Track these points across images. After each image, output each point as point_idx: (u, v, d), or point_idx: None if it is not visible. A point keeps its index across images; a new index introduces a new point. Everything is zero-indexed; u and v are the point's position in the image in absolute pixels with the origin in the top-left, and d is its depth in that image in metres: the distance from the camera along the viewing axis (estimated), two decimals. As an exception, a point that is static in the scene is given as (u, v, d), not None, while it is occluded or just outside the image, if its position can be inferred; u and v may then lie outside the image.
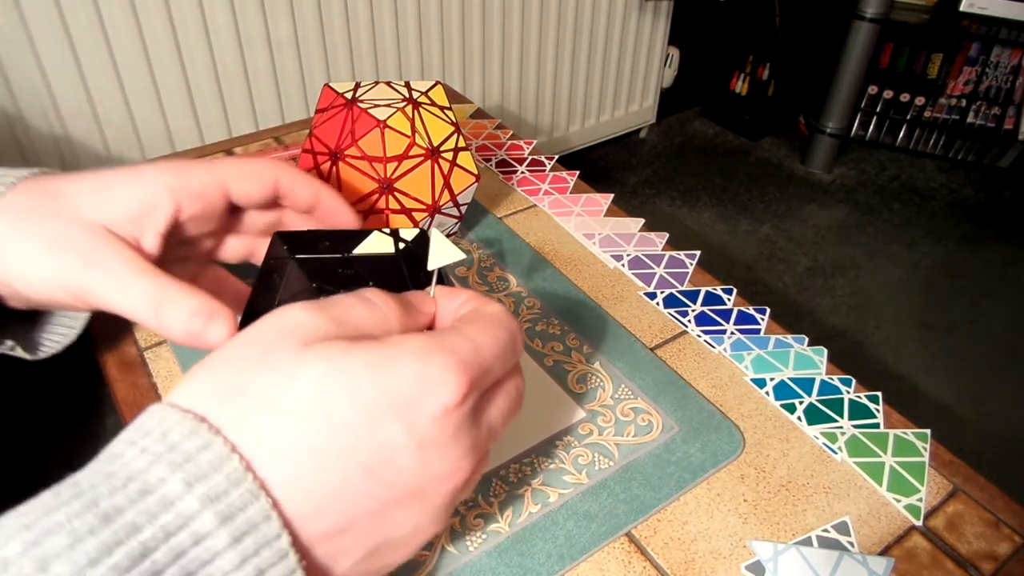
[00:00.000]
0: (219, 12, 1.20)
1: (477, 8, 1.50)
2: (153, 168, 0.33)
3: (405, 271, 0.32)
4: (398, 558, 0.25)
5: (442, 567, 0.34)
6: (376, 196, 0.47)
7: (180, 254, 0.37)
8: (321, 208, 0.37)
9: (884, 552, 0.36)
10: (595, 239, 0.56)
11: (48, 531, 0.19)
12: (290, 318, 0.24)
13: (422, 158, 0.47)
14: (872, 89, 2.16)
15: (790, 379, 0.44)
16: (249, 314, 0.32)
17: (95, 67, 1.14)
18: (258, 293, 0.32)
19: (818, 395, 0.43)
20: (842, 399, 0.43)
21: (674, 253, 0.55)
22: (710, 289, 0.51)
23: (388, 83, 0.50)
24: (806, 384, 0.44)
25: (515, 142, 0.68)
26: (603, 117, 1.94)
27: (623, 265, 0.53)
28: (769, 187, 2.06)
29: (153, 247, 0.32)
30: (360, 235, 0.32)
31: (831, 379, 0.44)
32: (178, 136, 1.27)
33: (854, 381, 0.44)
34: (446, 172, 0.48)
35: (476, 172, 0.50)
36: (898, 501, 0.38)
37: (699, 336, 0.47)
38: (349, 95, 0.48)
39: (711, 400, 0.43)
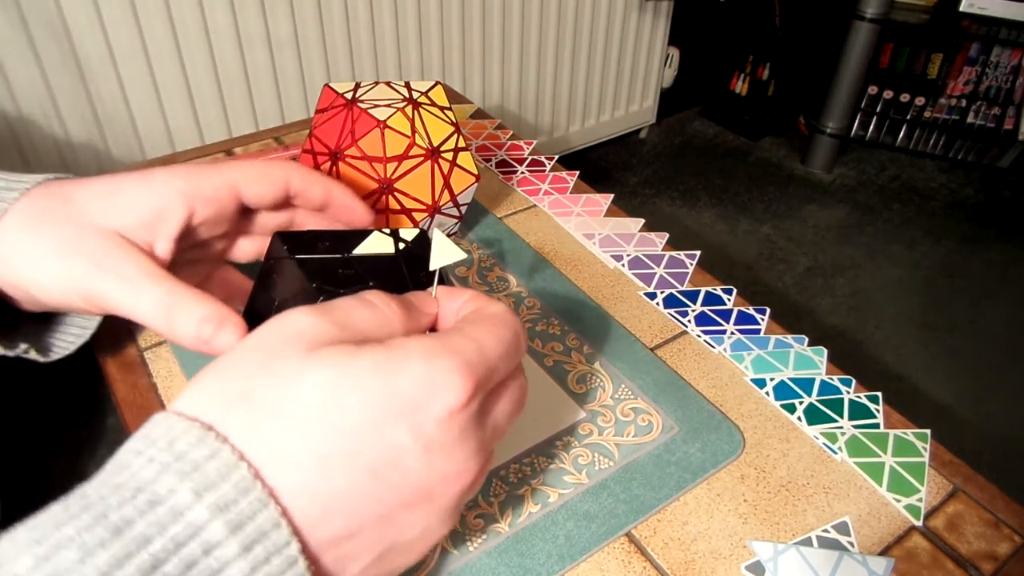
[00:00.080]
0: (219, 12, 1.20)
1: (477, 8, 1.50)
2: (164, 172, 0.33)
3: (405, 271, 0.32)
4: (407, 561, 0.25)
5: (442, 567, 0.34)
6: (376, 196, 0.47)
7: (192, 256, 0.37)
8: (334, 205, 0.37)
9: (884, 552, 0.36)
10: (595, 239, 0.56)
11: (59, 545, 0.19)
12: (294, 323, 0.24)
13: (422, 158, 0.47)
14: (872, 89, 2.16)
15: (790, 379, 0.44)
16: (249, 314, 0.33)
17: (95, 67, 1.14)
18: (258, 293, 0.32)
19: (818, 395, 0.43)
20: (842, 399, 0.43)
21: (674, 253, 0.55)
22: (710, 289, 0.51)
23: (388, 83, 0.50)
24: (806, 384, 0.44)
25: (515, 142, 0.68)
26: (603, 117, 1.94)
27: (623, 265, 0.53)
28: (769, 187, 2.06)
29: (165, 252, 0.32)
30: (360, 235, 0.32)
31: (831, 379, 0.44)
32: (178, 136, 1.27)
33: (854, 381, 0.44)
34: (446, 172, 0.48)
35: (476, 172, 0.50)
36: (898, 501, 0.38)
37: (699, 336, 0.47)
38: (349, 95, 0.48)
39: (711, 400, 0.43)
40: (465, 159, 0.49)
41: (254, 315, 0.32)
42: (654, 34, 1.88)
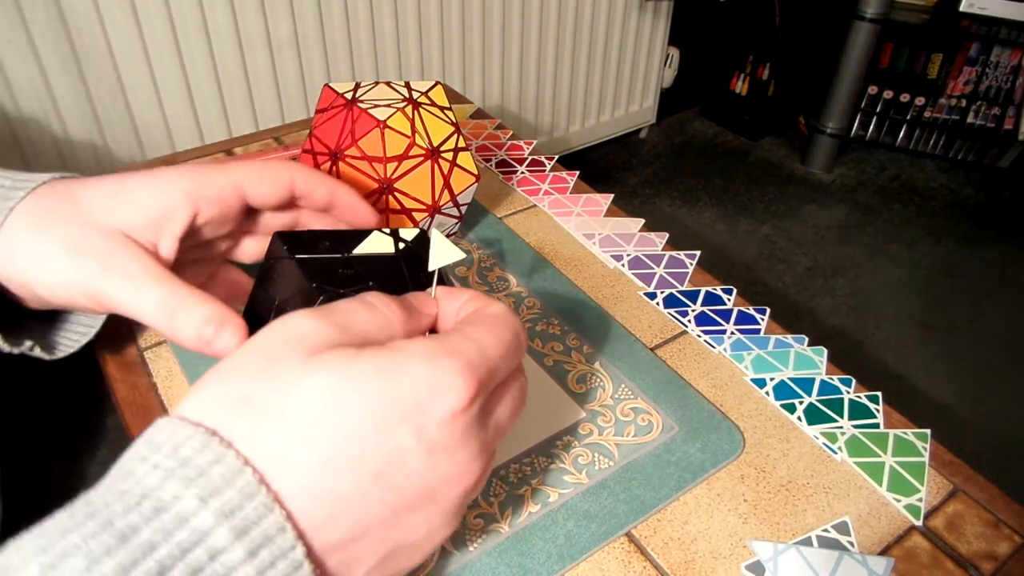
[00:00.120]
0: (219, 12, 1.20)
1: (477, 8, 1.50)
2: (169, 172, 0.33)
3: (405, 271, 0.32)
4: (411, 563, 0.25)
5: (442, 567, 0.34)
6: (376, 196, 0.47)
7: (196, 255, 0.37)
8: (338, 206, 0.37)
9: (884, 552, 0.36)
10: (595, 239, 0.56)
11: (65, 553, 0.19)
12: (295, 327, 0.24)
13: (422, 158, 0.47)
14: (872, 89, 2.16)
15: (790, 379, 0.44)
16: (249, 314, 0.33)
17: (94, 67, 1.14)
18: (258, 293, 0.32)
19: (818, 395, 0.43)
20: (842, 399, 0.43)
21: (674, 253, 0.55)
22: (710, 289, 0.51)
23: (388, 83, 0.50)
24: (806, 384, 0.44)
25: (515, 142, 0.68)
26: (603, 117, 1.94)
27: (623, 265, 0.53)
28: (769, 187, 2.06)
29: (169, 251, 0.33)
30: (360, 235, 0.32)
31: (831, 379, 0.44)
32: (178, 136, 1.27)
33: (854, 381, 0.44)
34: (446, 172, 0.48)
35: (476, 172, 0.50)
36: (898, 501, 0.38)
37: (699, 336, 0.47)
38: (349, 95, 0.48)
39: (711, 400, 0.43)
40: (465, 159, 0.49)
41: (254, 315, 0.32)
42: (654, 34, 1.88)
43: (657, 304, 0.50)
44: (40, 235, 0.31)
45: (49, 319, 0.38)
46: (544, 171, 0.64)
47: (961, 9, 1.91)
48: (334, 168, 0.47)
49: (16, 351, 0.35)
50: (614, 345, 0.46)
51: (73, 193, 0.32)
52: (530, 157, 0.66)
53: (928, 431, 0.41)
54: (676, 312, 0.49)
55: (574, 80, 1.78)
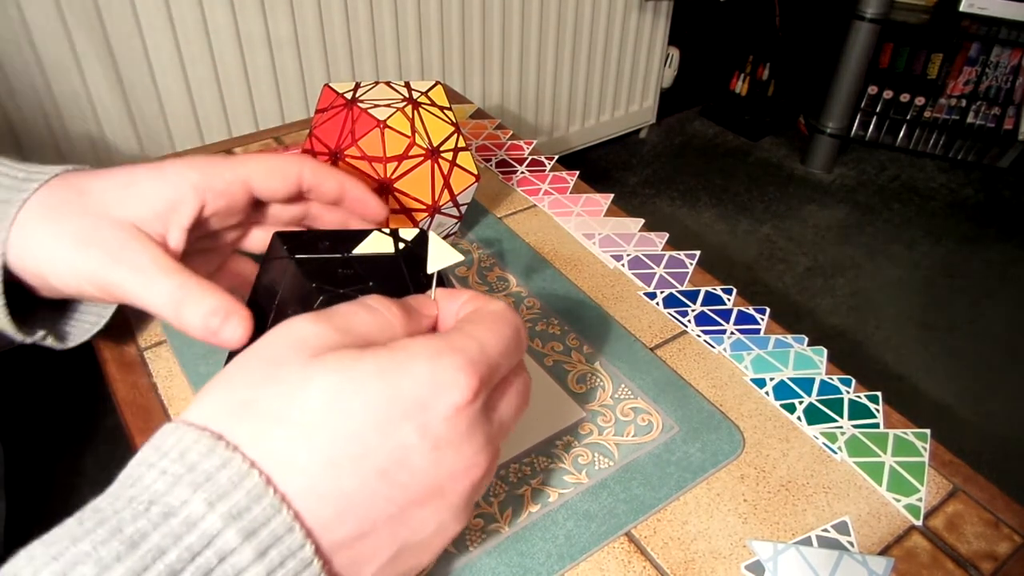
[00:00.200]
0: (219, 12, 1.20)
1: (477, 8, 1.50)
2: (177, 165, 0.34)
3: (405, 271, 0.32)
4: (422, 561, 0.25)
5: (442, 567, 0.34)
6: (376, 196, 0.47)
7: (204, 245, 0.38)
8: (348, 200, 0.38)
9: (884, 552, 0.36)
10: (595, 239, 0.56)
11: (76, 561, 0.19)
12: (296, 331, 0.25)
13: (422, 158, 0.47)
14: (872, 89, 2.16)
15: (790, 379, 0.44)
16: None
17: (94, 67, 1.14)
18: (258, 293, 0.32)
19: (818, 395, 0.43)
20: (842, 399, 0.43)
21: (674, 253, 0.55)
22: (710, 289, 0.51)
23: (388, 83, 0.50)
24: (806, 384, 0.44)
25: (515, 142, 0.68)
26: (603, 117, 1.94)
27: (623, 265, 0.53)
28: (769, 187, 2.06)
29: (178, 243, 0.33)
30: (360, 235, 0.32)
31: (831, 379, 0.44)
32: (178, 136, 1.27)
33: (854, 381, 0.44)
34: (446, 172, 0.48)
35: (476, 172, 0.50)
36: (898, 501, 0.38)
37: (699, 336, 0.47)
38: (349, 95, 0.48)
39: (711, 400, 0.43)
40: (465, 159, 0.49)
41: (254, 314, 0.32)
42: (654, 34, 1.88)
43: (657, 304, 0.50)
44: (52, 227, 0.32)
45: (60, 309, 0.39)
46: (544, 171, 0.64)
47: (961, 9, 1.91)
48: (334, 168, 0.47)
49: (29, 340, 0.36)
50: (614, 345, 0.46)
51: (84, 185, 0.33)
52: (530, 157, 0.66)
53: (928, 431, 0.41)
54: (676, 312, 0.49)
55: (574, 80, 1.78)
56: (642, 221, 0.58)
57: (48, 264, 0.32)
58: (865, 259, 1.80)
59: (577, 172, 0.64)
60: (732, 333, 0.48)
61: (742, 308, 0.50)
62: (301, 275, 0.34)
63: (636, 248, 0.55)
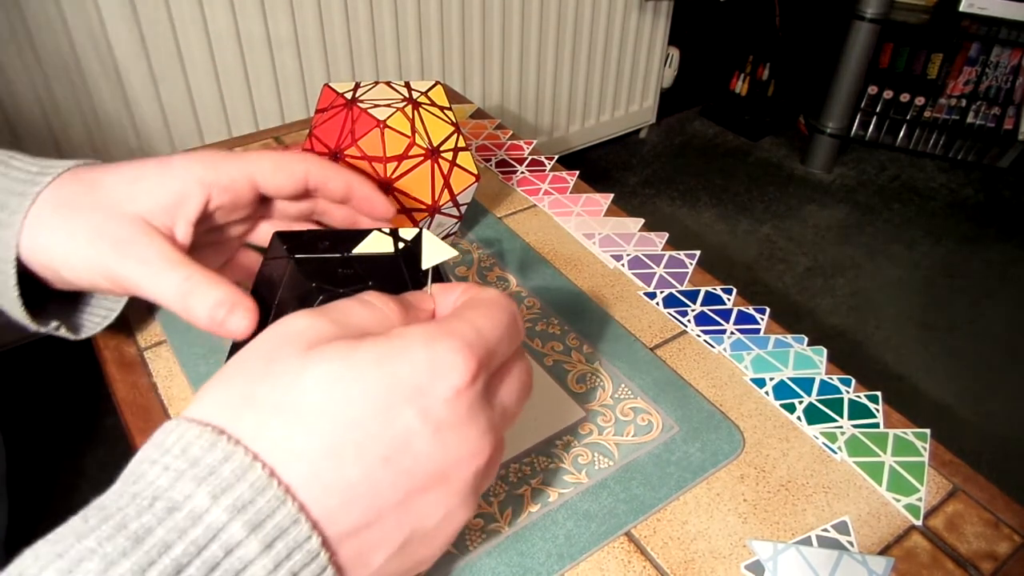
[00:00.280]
0: (219, 12, 1.20)
1: (477, 8, 1.50)
2: (184, 159, 0.34)
3: (404, 271, 0.32)
4: (432, 551, 0.25)
5: (441, 567, 0.34)
6: (376, 196, 0.47)
7: (212, 239, 0.38)
8: (355, 198, 0.38)
9: (884, 552, 0.36)
10: (595, 239, 0.56)
11: (81, 558, 0.19)
12: (293, 325, 0.25)
13: (422, 158, 0.47)
14: (872, 89, 2.16)
15: (790, 379, 0.44)
16: None
17: (94, 67, 1.14)
18: (258, 293, 0.32)
19: (818, 395, 0.43)
20: (842, 399, 0.43)
21: (674, 253, 0.55)
22: (710, 289, 0.51)
23: (388, 83, 0.50)
24: (806, 384, 0.44)
25: (515, 142, 0.68)
26: (603, 117, 1.95)
27: (623, 265, 0.53)
28: (769, 187, 2.06)
29: (185, 236, 0.34)
30: (359, 235, 0.32)
31: (831, 379, 0.44)
32: (178, 136, 1.27)
33: (854, 381, 0.44)
34: (446, 172, 0.48)
35: (476, 172, 0.50)
36: (898, 501, 0.38)
37: (699, 336, 0.47)
38: (349, 95, 0.48)
39: (711, 400, 0.43)
40: (465, 159, 0.49)
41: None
42: (654, 34, 1.88)
43: (657, 304, 0.50)
44: (64, 220, 0.32)
45: (73, 301, 0.40)
46: (544, 171, 0.64)
47: (961, 9, 1.91)
48: (334, 168, 0.47)
49: (43, 330, 0.37)
50: (614, 345, 0.46)
51: (95, 179, 0.33)
52: (530, 157, 0.66)
53: (928, 431, 0.41)
54: (676, 312, 0.49)
55: (574, 80, 1.79)
56: (642, 221, 0.58)
57: (61, 257, 0.33)
58: (865, 259, 1.80)
59: (577, 172, 0.64)
60: (732, 333, 0.48)
61: (742, 308, 0.50)
62: (300, 275, 0.34)
63: (636, 248, 0.55)
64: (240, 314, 0.31)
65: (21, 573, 0.19)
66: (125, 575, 0.19)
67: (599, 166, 2.10)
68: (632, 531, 0.36)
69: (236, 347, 0.32)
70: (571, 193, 0.61)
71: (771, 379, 0.44)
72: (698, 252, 0.54)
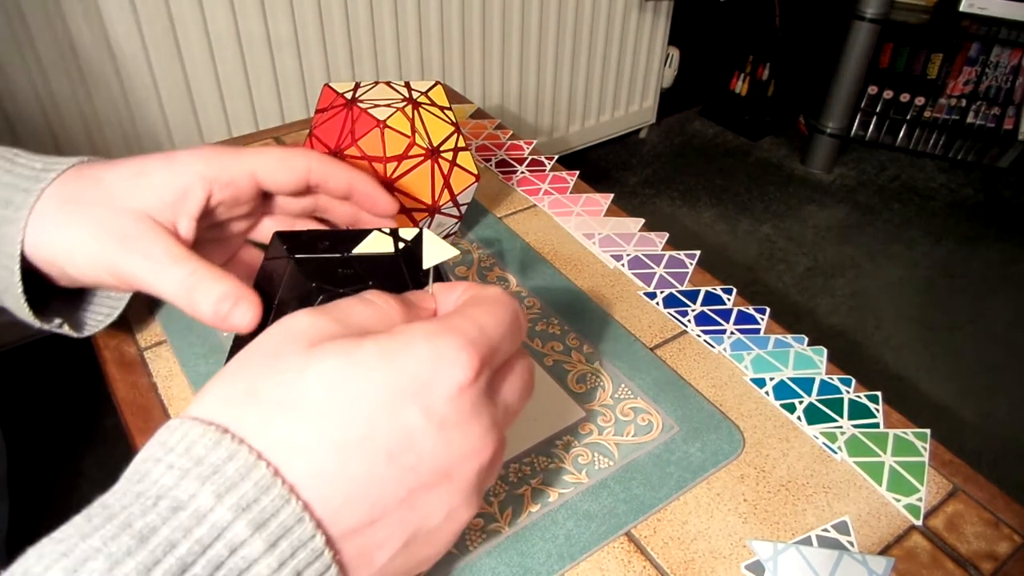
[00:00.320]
0: (219, 12, 1.20)
1: (477, 8, 1.50)
2: (187, 155, 0.35)
3: (405, 271, 0.32)
4: (436, 548, 0.25)
5: (441, 567, 0.34)
6: (376, 196, 0.47)
7: (215, 235, 0.38)
8: (357, 194, 0.38)
9: (884, 552, 0.36)
10: (595, 239, 0.56)
11: (86, 557, 0.19)
12: (295, 324, 0.25)
13: (422, 158, 0.47)
14: (872, 89, 2.16)
15: (790, 379, 0.44)
16: None
17: (93, 67, 1.14)
18: (258, 293, 0.32)
19: (818, 395, 0.43)
20: (842, 399, 0.43)
21: (674, 253, 0.55)
22: (710, 289, 0.51)
23: (388, 83, 0.50)
24: (806, 384, 0.44)
25: (515, 142, 0.68)
26: (603, 117, 1.95)
27: (623, 265, 0.53)
28: (769, 187, 2.06)
29: (188, 231, 0.34)
30: (360, 235, 0.32)
31: (831, 379, 0.44)
32: (178, 136, 1.27)
33: (854, 381, 0.44)
34: (446, 172, 0.48)
35: (476, 172, 0.50)
36: (898, 501, 0.38)
37: (699, 336, 0.47)
38: (349, 95, 0.48)
39: (711, 400, 0.43)
40: (465, 159, 0.49)
41: None
42: (654, 34, 1.88)
43: (657, 304, 0.50)
44: (68, 216, 0.33)
45: (76, 299, 0.40)
46: (544, 171, 0.64)
47: (961, 9, 1.91)
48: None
49: (47, 327, 0.37)
50: (614, 345, 0.46)
51: (99, 175, 0.33)
52: (530, 157, 0.66)
53: (928, 431, 0.41)
54: (676, 312, 0.49)
55: (574, 80, 1.79)
56: (642, 221, 0.58)
57: (65, 253, 0.33)
58: (865, 259, 1.80)
59: (577, 172, 0.64)
60: (732, 333, 0.48)
61: (742, 308, 0.50)
62: (300, 275, 0.34)
63: (636, 248, 0.55)
64: (244, 307, 0.31)
65: (26, 571, 0.19)
66: (130, 574, 0.19)
67: (599, 166, 2.10)
68: (632, 531, 0.36)
69: (236, 348, 0.32)
70: (571, 193, 0.61)
71: (771, 379, 0.44)
72: (698, 252, 0.54)
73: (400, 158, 0.46)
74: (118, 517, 0.20)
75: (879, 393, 0.44)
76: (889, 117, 2.18)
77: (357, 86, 0.50)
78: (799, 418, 0.42)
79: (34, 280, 0.35)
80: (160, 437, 0.22)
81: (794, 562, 0.34)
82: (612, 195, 0.61)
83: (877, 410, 0.43)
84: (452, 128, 0.49)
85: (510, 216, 0.58)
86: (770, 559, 0.35)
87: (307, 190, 0.38)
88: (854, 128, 2.16)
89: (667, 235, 0.56)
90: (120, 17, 1.12)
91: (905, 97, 2.15)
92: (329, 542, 0.21)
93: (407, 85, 0.50)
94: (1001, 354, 1.55)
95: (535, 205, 0.60)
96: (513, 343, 0.27)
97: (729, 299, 0.51)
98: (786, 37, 2.15)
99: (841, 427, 0.41)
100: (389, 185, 0.46)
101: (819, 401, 0.43)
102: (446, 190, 0.48)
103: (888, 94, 2.16)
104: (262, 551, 0.20)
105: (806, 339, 0.47)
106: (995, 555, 0.36)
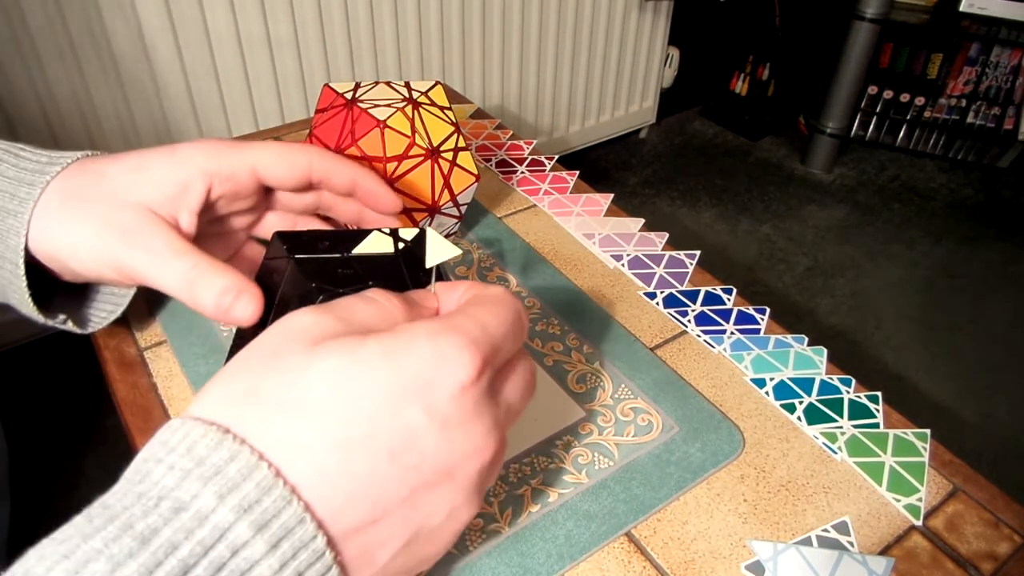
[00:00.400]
0: (219, 12, 1.20)
1: (477, 8, 1.50)
2: (187, 148, 0.35)
3: (405, 271, 0.32)
4: (437, 549, 0.25)
5: (441, 567, 0.34)
6: (376, 196, 0.47)
7: (218, 230, 0.39)
8: (360, 191, 0.38)
9: (884, 552, 0.36)
10: (595, 239, 0.56)
11: (88, 559, 0.19)
12: (297, 322, 0.25)
13: (422, 158, 0.47)
14: (872, 89, 2.16)
15: (790, 379, 0.44)
16: None
17: (93, 67, 1.14)
18: (260, 287, 0.32)
19: (818, 395, 0.43)
20: (842, 399, 0.43)
21: (674, 253, 0.55)
22: (710, 289, 0.51)
23: (388, 83, 0.50)
24: (806, 384, 0.44)
25: (515, 142, 0.68)
26: (603, 117, 1.95)
27: (623, 265, 0.53)
28: (769, 187, 2.06)
29: (189, 225, 0.34)
30: (360, 235, 0.32)
31: (831, 379, 0.44)
32: (178, 136, 1.27)
33: (854, 381, 0.44)
34: (446, 172, 0.48)
35: (476, 172, 0.50)
36: (898, 501, 0.38)
37: (699, 336, 0.47)
38: (349, 95, 0.48)
39: (711, 400, 0.43)
40: (465, 159, 0.49)
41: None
42: (654, 34, 1.88)
43: (657, 304, 0.50)
44: (71, 212, 0.33)
45: (79, 295, 0.40)
46: (544, 171, 0.64)
47: (961, 9, 1.91)
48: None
49: (51, 323, 0.37)
50: (614, 345, 0.46)
51: (101, 169, 0.34)
52: (530, 157, 0.66)
53: (928, 431, 0.41)
54: (676, 312, 0.49)
55: (574, 80, 1.78)
56: (642, 221, 0.58)
57: (68, 247, 0.33)
58: (865, 259, 1.80)
59: (577, 172, 0.64)
60: (732, 333, 0.48)
61: (742, 308, 0.50)
62: (300, 275, 0.34)
63: (636, 248, 0.55)
64: (246, 300, 0.31)
65: (27, 573, 0.19)
66: None
67: (599, 166, 2.10)
68: (632, 531, 0.36)
69: (236, 347, 0.32)
70: (571, 193, 0.61)
71: (771, 379, 0.44)
72: (698, 252, 0.54)
73: (400, 158, 0.46)
74: (120, 518, 0.20)
75: (879, 393, 0.44)
76: (889, 117, 2.18)
77: (357, 86, 0.50)
78: (799, 418, 0.42)
79: (38, 275, 0.35)
80: (161, 437, 0.22)
81: (794, 562, 0.34)
82: (612, 195, 0.61)
83: (877, 410, 0.43)
84: (452, 128, 0.49)
85: (510, 216, 0.58)
86: (770, 559, 0.35)
87: (309, 186, 0.37)
88: (854, 128, 2.16)
89: (667, 235, 0.56)
90: (121, 18, 1.12)
91: (905, 97, 2.15)
92: (330, 542, 0.21)
93: (407, 85, 0.50)
94: (1001, 354, 1.55)
95: (535, 205, 0.60)
96: (515, 343, 0.27)
97: (729, 299, 0.51)
98: (786, 37, 2.15)
99: (841, 427, 0.41)
100: (389, 185, 0.46)
101: (819, 401, 0.43)
102: (446, 190, 0.48)
103: (888, 94, 2.16)
104: (264, 552, 0.20)
105: (806, 339, 0.47)
106: (995, 555, 0.36)
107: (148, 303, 0.47)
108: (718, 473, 0.39)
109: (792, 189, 2.05)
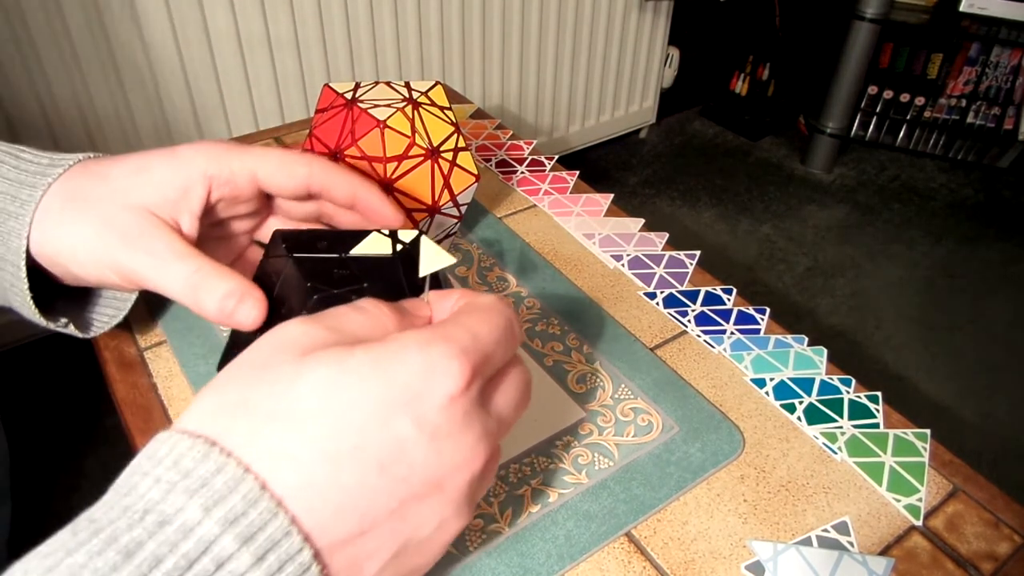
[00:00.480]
0: (219, 12, 1.20)
1: (477, 8, 1.50)
2: (188, 150, 0.34)
3: (402, 273, 0.32)
4: (426, 560, 0.25)
5: (441, 567, 0.34)
6: (376, 196, 0.47)
7: (219, 233, 0.38)
8: (360, 206, 0.37)
9: (884, 552, 0.36)
10: (595, 239, 0.56)
11: (71, 573, 0.19)
12: (287, 333, 0.25)
13: (422, 158, 0.47)
14: (872, 89, 2.16)
15: (790, 379, 0.44)
16: None
17: (93, 68, 1.14)
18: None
19: (818, 395, 0.43)
20: (842, 399, 0.43)
21: (674, 253, 0.55)
22: (710, 289, 0.51)
23: (388, 83, 0.50)
24: (806, 384, 0.44)
25: (515, 142, 0.68)
26: (603, 117, 1.95)
27: (623, 265, 0.53)
28: (769, 187, 2.06)
29: (191, 228, 0.34)
30: (359, 236, 0.32)
31: (831, 379, 0.44)
32: (177, 136, 1.27)
33: (854, 381, 0.44)
34: (446, 172, 0.48)
35: (476, 172, 0.50)
36: (898, 501, 0.38)
37: (699, 336, 0.47)
38: (349, 95, 0.48)
39: (711, 400, 0.43)
40: (465, 159, 0.49)
41: None
42: (654, 34, 1.88)
43: (657, 304, 0.50)
44: (73, 213, 0.33)
45: (81, 299, 0.40)
46: (544, 171, 0.64)
47: (961, 9, 1.91)
48: (334, 168, 0.47)
49: (53, 327, 0.37)
50: (614, 345, 0.46)
51: (103, 171, 0.33)
52: (530, 157, 0.66)
53: (928, 431, 0.41)
54: (676, 312, 0.49)
55: (574, 80, 1.78)
56: (642, 221, 0.58)
57: (69, 250, 0.33)
58: (865, 259, 1.80)
59: (577, 172, 0.64)
60: (732, 333, 0.48)
61: (742, 308, 0.50)
62: (298, 274, 0.34)
63: (636, 248, 0.55)
64: (250, 304, 0.31)
65: None
66: None
67: (599, 166, 2.10)
68: (632, 531, 0.36)
69: (228, 354, 0.32)
70: (571, 193, 0.61)
71: (771, 379, 0.44)
72: (698, 252, 0.54)
73: (400, 158, 0.46)
74: (104, 531, 0.19)
75: (879, 393, 0.44)
76: (889, 117, 2.18)
77: (357, 86, 0.50)
78: (799, 418, 0.42)
79: (40, 279, 0.35)
80: (148, 450, 0.22)
81: (794, 562, 0.34)
82: (612, 195, 0.61)
83: (877, 410, 0.43)
84: (452, 128, 0.49)
85: (510, 216, 0.58)
86: (770, 559, 0.35)
87: (309, 196, 0.37)
88: (854, 128, 2.16)
89: (667, 235, 0.56)
90: (121, 18, 1.12)
91: (905, 97, 2.15)
92: (317, 554, 0.21)
93: (407, 85, 0.50)
94: (1001, 354, 1.55)
95: (535, 205, 0.60)
96: (507, 351, 0.27)
97: (729, 299, 0.51)
98: (786, 37, 2.15)
99: (841, 427, 0.41)
100: (389, 185, 0.46)
101: (819, 401, 0.43)
102: (446, 190, 0.48)
103: (888, 94, 2.16)
104: (249, 565, 0.20)
105: (806, 339, 0.47)
106: (995, 555, 0.36)
107: (148, 303, 0.47)
108: (718, 473, 0.39)
109: (792, 189, 2.05)
